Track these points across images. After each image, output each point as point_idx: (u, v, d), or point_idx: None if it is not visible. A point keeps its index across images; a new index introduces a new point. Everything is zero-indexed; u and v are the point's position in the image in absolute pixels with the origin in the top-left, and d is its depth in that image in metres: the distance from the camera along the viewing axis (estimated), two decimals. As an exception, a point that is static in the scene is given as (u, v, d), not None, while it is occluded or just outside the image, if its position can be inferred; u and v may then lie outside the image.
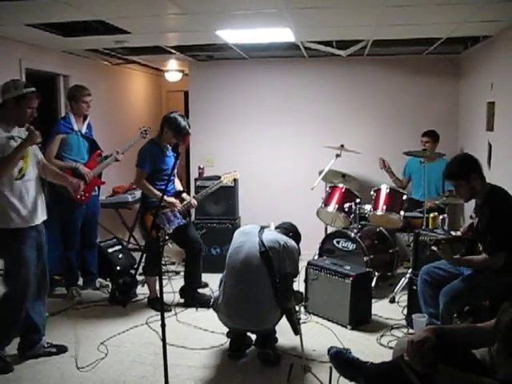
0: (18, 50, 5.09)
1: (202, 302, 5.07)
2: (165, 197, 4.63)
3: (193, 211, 6.21)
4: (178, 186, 5.20)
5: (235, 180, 6.01)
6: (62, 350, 4.10)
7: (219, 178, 5.37)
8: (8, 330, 3.84)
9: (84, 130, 5.32)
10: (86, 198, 5.21)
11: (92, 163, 5.30)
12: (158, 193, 4.76)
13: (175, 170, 4.93)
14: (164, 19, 4.52)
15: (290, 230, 4.17)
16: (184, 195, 5.13)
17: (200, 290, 5.30)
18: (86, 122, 5.37)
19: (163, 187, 4.74)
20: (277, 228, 4.20)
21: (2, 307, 3.78)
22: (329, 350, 3.00)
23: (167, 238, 4.99)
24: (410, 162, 6.27)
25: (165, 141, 4.88)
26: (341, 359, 2.82)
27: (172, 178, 4.93)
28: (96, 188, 5.45)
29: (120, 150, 5.40)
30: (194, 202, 5.12)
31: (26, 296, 3.76)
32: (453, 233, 4.53)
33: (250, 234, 3.97)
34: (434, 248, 3.87)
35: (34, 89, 3.72)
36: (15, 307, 3.76)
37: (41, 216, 3.88)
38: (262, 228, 4.04)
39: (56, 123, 5.27)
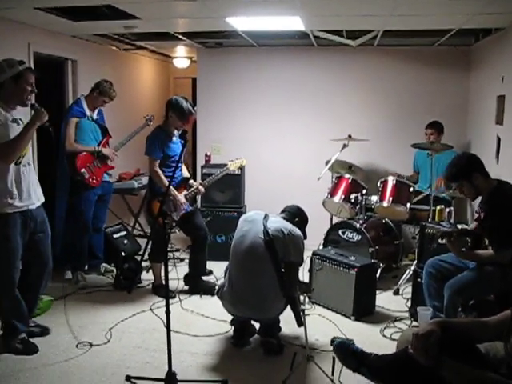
0: (26, 33, 5.07)
1: (207, 290, 5.09)
2: (172, 188, 4.68)
3: (199, 199, 6.24)
4: (185, 172, 5.20)
5: (242, 168, 6.01)
6: (44, 332, 4.11)
7: (226, 165, 5.37)
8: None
9: (95, 116, 5.38)
10: (97, 182, 5.28)
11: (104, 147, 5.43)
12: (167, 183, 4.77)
13: (182, 157, 4.93)
14: (174, 5, 4.49)
15: (296, 215, 4.12)
16: (191, 181, 5.13)
17: (204, 278, 5.32)
18: (97, 109, 5.45)
19: (171, 174, 4.77)
20: (282, 212, 4.17)
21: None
22: (332, 341, 3.00)
23: (174, 224, 4.99)
24: (417, 155, 6.24)
25: (171, 126, 4.88)
26: (344, 350, 2.81)
27: (179, 164, 4.94)
28: (107, 173, 5.51)
29: (124, 140, 5.60)
30: (201, 188, 5.12)
31: (13, 281, 3.76)
32: (459, 226, 4.51)
33: (254, 222, 3.93)
34: (441, 241, 3.87)
35: (27, 65, 3.70)
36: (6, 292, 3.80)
37: (37, 200, 3.84)
38: (267, 215, 4.01)
39: (69, 107, 5.37)
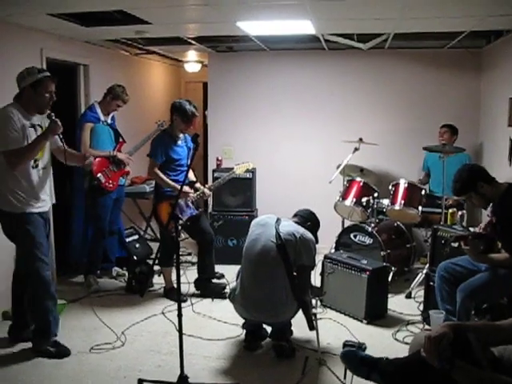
0: (39, 39, 5.11)
1: (217, 292, 5.10)
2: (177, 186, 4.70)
3: (210, 203, 6.24)
4: (191, 176, 5.21)
5: (251, 171, 6.02)
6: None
7: (233, 169, 5.38)
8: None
9: (109, 121, 5.43)
10: (114, 186, 5.29)
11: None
12: (170, 182, 4.81)
13: (188, 161, 4.95)
14: (185, 10, 4.51)
15: (308, 219, 4.13)
16: (197, 185, 5.13)
17: (215, 281, 5.32)
18: (111, 114, 5.49)
19: (176, 178, 4.80)
20: (294, 216, 4.17)
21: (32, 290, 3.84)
22: (344, 344, 2.97)
23: (180, 228, 5.00)
24: (428, 156, 6.22)
25: (176, 129, 4.93)
26: (352, 359, 2.76)
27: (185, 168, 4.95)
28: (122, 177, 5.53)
29: (138, 145, 5.57)
30: (207, 191, 5.12)
31: (44, 274, 3.79)
32: (471, 229, 4.49)
33: (266, 226, 3.94)
34: (454, 244, 3.86)
35: (48, 73, 3.75)
36: (39, 291, 3.81)
37: (49, 202, 3.98)
38: (279, 219, 4.01)
39: (83, 113, 5.41)
